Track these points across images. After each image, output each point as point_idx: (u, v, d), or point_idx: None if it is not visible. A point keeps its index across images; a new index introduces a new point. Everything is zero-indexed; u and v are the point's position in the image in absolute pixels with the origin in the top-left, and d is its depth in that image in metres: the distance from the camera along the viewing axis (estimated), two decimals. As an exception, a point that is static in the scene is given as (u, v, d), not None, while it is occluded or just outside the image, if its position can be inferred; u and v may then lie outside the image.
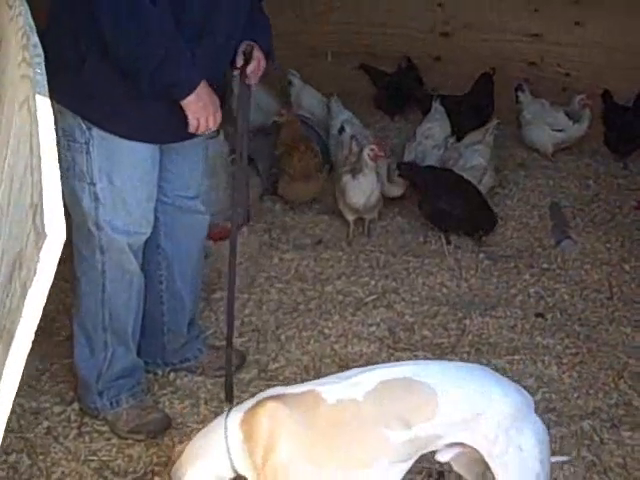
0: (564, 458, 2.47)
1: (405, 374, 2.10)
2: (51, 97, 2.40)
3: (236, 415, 2.14)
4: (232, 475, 2.16)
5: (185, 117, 2.44)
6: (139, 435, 2.76)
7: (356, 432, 2.06)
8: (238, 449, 2.10)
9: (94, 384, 2.77)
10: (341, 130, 4.34)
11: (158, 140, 2.57)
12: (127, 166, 2.53)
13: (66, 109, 2.45)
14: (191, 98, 2.40)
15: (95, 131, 2.46)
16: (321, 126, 4.58)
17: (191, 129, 2.47)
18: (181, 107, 2.43)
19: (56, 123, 2.50)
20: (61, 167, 2.60)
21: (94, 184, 2.51)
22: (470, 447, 2.08)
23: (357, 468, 2.08)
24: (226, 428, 2.11)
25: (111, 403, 2.79)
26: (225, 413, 2.18)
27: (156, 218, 2.76)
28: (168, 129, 2.53)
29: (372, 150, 3.84)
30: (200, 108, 2.43)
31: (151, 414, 2.80)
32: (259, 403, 2.11)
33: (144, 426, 2.76)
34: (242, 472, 2.14)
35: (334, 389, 2.10)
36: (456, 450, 2.14)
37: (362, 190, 3.87)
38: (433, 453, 2.19)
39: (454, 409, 2.05)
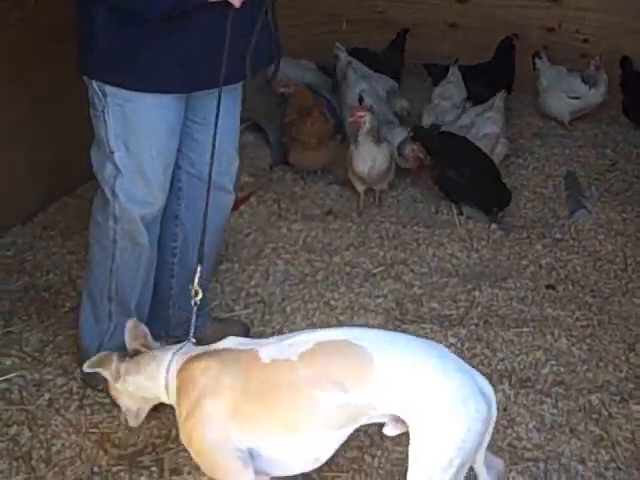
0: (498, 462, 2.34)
1: (343, 336, 2.07)
2: (79, 70, 2.44)
3: (180, 358, 2.17)
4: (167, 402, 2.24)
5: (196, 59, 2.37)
6: None
7: (287, 392, 2.03)
8: (173, 392, 2.16)
9: (94, 354, 2.74)
10: (360, 101, 4.26)
11: (180, 87, 2.47)
12: (142, 133, 2.49)
13: (89, 79, 2.47)
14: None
15: (110, 98, 2.44)
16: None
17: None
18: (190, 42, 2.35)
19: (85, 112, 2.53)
20: (93, 136, 2.62)
21: (112, 152, 2.50)
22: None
23: (285, 430, 2.06)
24: (168, 369, 2.17)
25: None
26: (175, 349, 2.22)
27: (178, 188, 2.72)
28: (190, 74, 2.43)
29: (352, 117, 3.78)
30: None
31: None
32: (198, 357, 2.13)
33: None
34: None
35: (271, 349, 2.08)
36: (403, 427, 2.08)
37: (362, 158, 3.81)
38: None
39: (389, 378, 1.99)
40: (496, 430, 2.65)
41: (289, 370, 2.03)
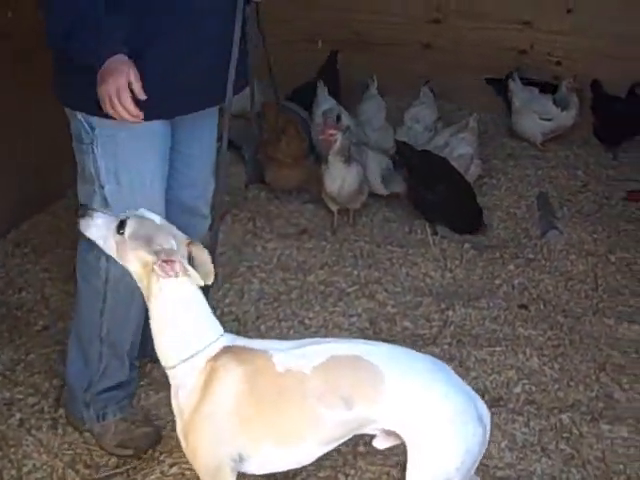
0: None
1: (355, 352, 2.07)
2: (58, 100, 2.39)
3: (221, 343, 2.08)
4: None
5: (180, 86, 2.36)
6: (127, 450, 2.65)
7: (294, 407, 2.03)
8: (195, 372, 2.07)
9: (81, 394, 2.67)
10: (337, 119, 4.27)
11: (165, 113, 2.43)
12: (135, 164, 2.42)
13: (72, 110, 2.41)
14: (103, 68, 2.19)
15: (98, 130, 2.37)
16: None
17: (106, 106, 2.24)
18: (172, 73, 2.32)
19: (68, 127, 2.45)
20: (77, 170, 2.53)
21: (103, 186, 2.43)
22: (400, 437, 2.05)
23: (282, 443, 2.06)
24: (210, 342, 2.07)
25: (97, 416, 2.68)
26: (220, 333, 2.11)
27: None
28: (170, 99, 2.39)
29: (323, 135, 3.79)
30: (104, 82, 2.19)
31: (140, 428, 2.69)
32: (228, 350, 2.07)
33: (132, 441, 2.66)
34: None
35: (286, 357, 2.06)
36: (393, 441, 2.11)
37: (332, 178, 3.83)
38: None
39: (396, 396, 2.01)
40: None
41: (301, 383, 2.02)
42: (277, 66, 5.00)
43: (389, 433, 2.09)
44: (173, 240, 2.07)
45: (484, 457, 2.62)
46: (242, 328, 3.27)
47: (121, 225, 2.08)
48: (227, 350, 2.08)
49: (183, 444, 2.12)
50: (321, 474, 2.59)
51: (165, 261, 2.01)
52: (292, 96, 4.80)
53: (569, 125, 4.71)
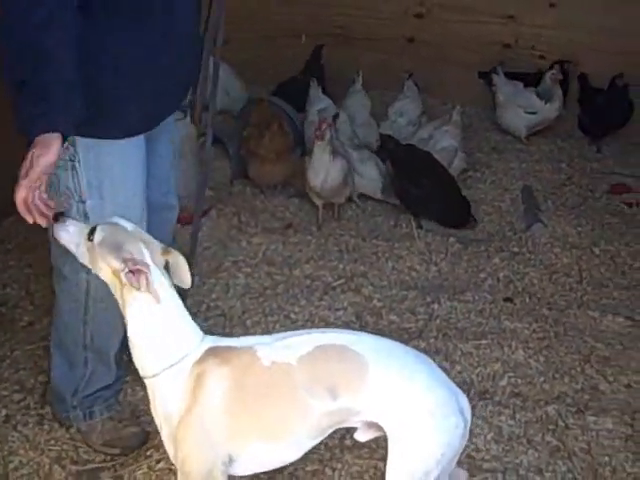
0: (462, 473, 2.36)
1: (341, 341, 2.07)
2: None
3: (204, 344, 2.07)
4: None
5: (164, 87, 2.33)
6: (114, 449, 2.64)
7: (283, 400, 2.03)
8: (182, 378, 2.04)
9: (69, 398, 2.65)
10: (334, 118, 4.25)
11: (148, 125, 2.41)
12: (119, 178, 2.38)
13: None
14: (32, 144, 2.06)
15: (81, 147, 2.30)
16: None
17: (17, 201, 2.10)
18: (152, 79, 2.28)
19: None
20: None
21: (83, 202, 2.36)
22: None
23: (271, 439, 2.05)
24: (194, 347, 2.05)
25: (84, 414, 2.67)
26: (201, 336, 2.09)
27: None
28: (148, 115, 2.38)
29: (315, 129, 3.79)
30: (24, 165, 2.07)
31: (128, 427, 2.68)
32: (212, 352, 2.05)
33: (120, 440, 2.65)
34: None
35: (270, 350, 2.05)
36: (375, 433, 2.11)
37: (315, 170, 3.82)
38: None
39: (379, 387, 2.01)
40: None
41: (288, 375, 2.02)
42: (261, 62, 5.07)
43: (370, 425, 2.09)
44: (145, 249, 2.04)
45: (471, 449, 2.68)
46: (228, 323, 3.27)
47: (92, 232, 2.07)
48: (211, 351, 2.06)
49: (171, 451, 2.09)
50: (308, 468, 2.59)
51: (132, 271, 1.97)
52: (277, 91, 4.80)
53: (553, 118, 4.72)
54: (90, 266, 2.11)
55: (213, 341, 2.11)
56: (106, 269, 2.06)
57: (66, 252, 2.35)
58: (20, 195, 2.07)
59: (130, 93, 2.26)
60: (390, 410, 2.02)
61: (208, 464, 2.05)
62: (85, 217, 2.37)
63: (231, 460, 2.08)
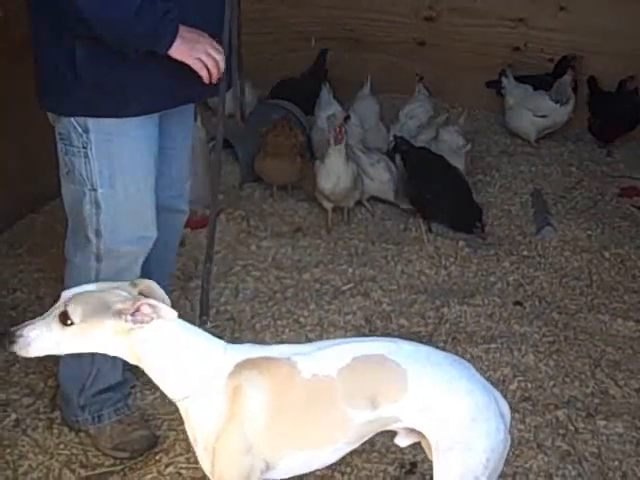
0: None
1: (379, 351, 2.05)
2: (47, 109, 2.37)
3: (232, 359, 2.01)
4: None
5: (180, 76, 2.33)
6: (123, 453, 2.64)
7: (323, 411, 2.01)
8: (218, 395, 1.98)
9: (76, 398, 2.66)
10: (346, 119, 4.28)
11: (159, 106, 2.42)
12: (130, 167, 2.41)
13: (66, 116, 2.36)
14: (176, 45, 2.24)
15: (94, 134, 2.35)
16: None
17: (201, 74, 2.30)
18: (171, 65, 2.30)
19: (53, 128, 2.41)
20: (61, 171, 2.51)
21: (95, 190, 2.39)
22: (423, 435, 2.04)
23: (311, 447, 2.04)
24: (221, 364, 1.99)
25: (93, 418, 2.67)
26: (223, 344, 2.04)
27: None
28: (166, 92, 2.38)
29: (334, 132, 3.79)
30: (191, 48, 2.26)
31: (137, 431, 2.68)
32: (246, 363, 2.01)
33: (129, 444, 2.65)
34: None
35: (310, 362, 2.02)
36: (415, 438, 2.10)
37: (328, 173, 3.82)
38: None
39: (419, 395, 2.01)
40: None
41: (329, 388, 2.00)
42: (271, 65, 5.07)
43: (411, 431, 2.08)
44: (122, 291, 1.98)
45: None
46: (237, 327, 3.27)
47: (64, 317, 1.92)
48: (247, 363, 2.01)
49: (207, 466, 2.04)
50: (318, 472, 2.58)
51: (133, 313, 1.92)
52: (274, 89, 4.80)
53: (564, 121, 4.71)
54: (84, 348, 1.99)
55: (242, 350, 2.06)
56: (104, 334, 1.95)
57: (77, 242, 2.45)
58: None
59: (154, 65, 2.27)
60: (431, 417, 2.01)
61: (245, 474, 2.03)
62: (97, 205, 2.40)
63: (268, 468, 2.06)
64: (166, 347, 1.98)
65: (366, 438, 2.10)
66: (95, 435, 2.68)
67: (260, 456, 2.02)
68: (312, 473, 2.55)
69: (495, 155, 4.65)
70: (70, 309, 1.92)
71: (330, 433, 2.04)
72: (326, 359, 2.04)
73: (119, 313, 1.92)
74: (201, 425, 2.02)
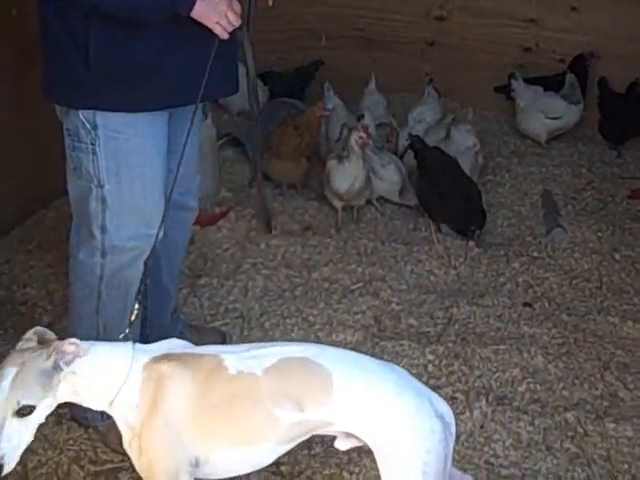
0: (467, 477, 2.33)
1: (304, 354, 2.06)
2: (55, 101, 2.38)
3: (141, 357, 2.04)
4: (101, 407, 2.04)
5: (193, 76, 2.33)
6: None
7: (248, 407, 2.01)
8: (134, 391, 2.00)
9: None
10: (359, 118, 4.26)
11: (171, 102, 2.42)
12: (137, 164, 2.41)
13: (70, 109, 2.37)
14: (197, 6, 2.24)
15: (102, 130, 2.35)
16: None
17: (219, 34, 2.30)
18: (186, 61, 2.32)
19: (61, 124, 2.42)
20: (68, 167, 2.52)
21: (102, 186, 2.40)
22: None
23: (239, 444, 2.04)
24: (130, 364, 2.00)
25: (102, 414, 2.59)
26: (130, 345, 2.06)
27: None
28: (179, 89, 2.38)
29: (360, 137, 3.79)
30: (212, 10, 2.26)
31: None
32: (166, 357, 2.04)
33: None
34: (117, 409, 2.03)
35: (236, 359, 2.04)
36: (355, 442, 2.08)
37: (346, 176, 3.83)
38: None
39: (346, 398, 1.99)
40: (473, 448, 2.70)
41: (254, 385, 2.01)
42: (281, 62, 5.07)
43: (348, 435, 2.06)
44: (32, 351, 1.96)
45: (489, 455, 2.67)
46: (246, 325, 3.27)
47: (19, 410, 1.88)
48: (167, 357, 2.04)
49: (134, 457, 2.05)
50: (326, 472, 2.59)
51: (62, 359, 1.92)
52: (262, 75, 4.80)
53: (576, 121, 4.70)
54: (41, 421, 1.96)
55: (158, 347, 2.09)
56: (60, 392, 1.96)
57: (82, 237, 2.47)
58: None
59: (167, 60, 2.28)
60: (361, 421, 2.00)
61: (174, 464, 2.02)
62: (103, 201, 2.41)
63: (198, 462, 2.05)
64: (81, 370, 1.97)
65: (300, 440, 2.08)
66: (104, 431, 2.68)
67: (189, 449, 2.02)
68: (320, 472, 2.57)
69: (505, 156, 4.64)
70: (23, 400, 1.89)
71: (259, 431, 2.03)
72: (252, 359, 2.05)
73: (55, 367, 1.93)
74: (125, 421, 2.03)
